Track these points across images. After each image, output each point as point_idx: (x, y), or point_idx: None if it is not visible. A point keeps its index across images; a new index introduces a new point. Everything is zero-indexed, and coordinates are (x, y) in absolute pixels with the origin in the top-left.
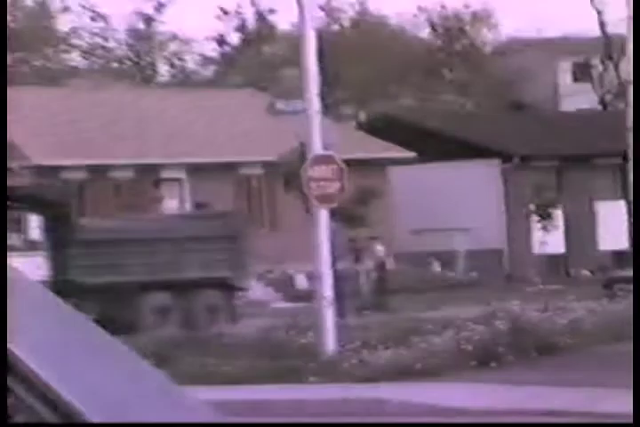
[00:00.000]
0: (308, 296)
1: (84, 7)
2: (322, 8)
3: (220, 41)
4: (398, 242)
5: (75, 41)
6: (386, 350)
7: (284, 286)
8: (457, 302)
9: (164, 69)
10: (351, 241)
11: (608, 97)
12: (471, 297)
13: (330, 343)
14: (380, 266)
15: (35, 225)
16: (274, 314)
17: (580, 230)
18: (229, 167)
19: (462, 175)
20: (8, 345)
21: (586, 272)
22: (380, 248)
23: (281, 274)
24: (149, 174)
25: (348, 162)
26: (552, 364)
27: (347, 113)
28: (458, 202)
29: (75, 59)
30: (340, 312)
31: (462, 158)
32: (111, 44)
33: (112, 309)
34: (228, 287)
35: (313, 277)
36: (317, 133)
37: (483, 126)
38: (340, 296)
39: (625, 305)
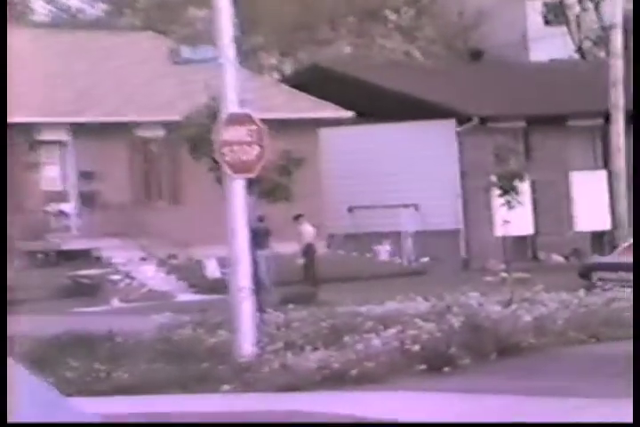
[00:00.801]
0: (221, 287)
1: None
2: None
3: None
4: (331, 221)
5: None
6: (314, 351)
7: (191, 275)
8: (402, 294)
9: (39, 6)
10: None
11: (587, 44)
12: (420, 288)
13: (247, 344)
14: (309, 250)
15: None
16: (178, 308)
17: (552, 207)
18: (123, 128)
19: (409, 140)
20: None
21: (558, 257)
22: (308, 229)
23: (187, 259)
24: (23, 136)
25: (269, 122)
26: (515, 368)
27: (268, 63)
28: (404, 173)
29: None
30: (260, 306)
31: (409, 119)
32: None
33: None
34: None
35: (227, 263)
36: (232, 87)
37: (434, 80)
38: (259, 287)
39: (604, 298)
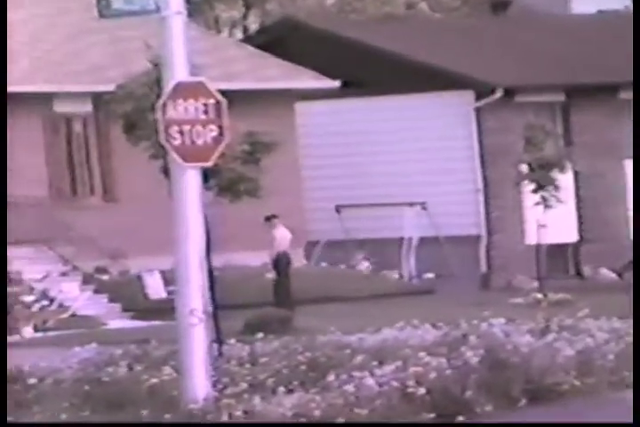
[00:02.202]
0: (166, 310)
1: None
2: None
3: None
4: (312, 224)
5: None
6: (289, 394)
7: (127, 294)
8: (403, 320)
9: None
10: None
11: None
12: (426, 312)
13: (199, 385)
14: (282, 262)
15: None
16: (110, 338)
17: (602, 206)
18: (36, 101)
19: (413, 118)
20: None
21: (609, 273)
22: (284, 234)
23: (122, 274)
24: None
25: (229, 94)
26: (552, 418)
27: (226, 16)
28: (408, 161)
29: None
30: (218, 335)
31: (413, 91)
32: None
33: None
34: None
35: (174, 278)
36: (179, 48)
37: (445, 39)
38: (217, 309)
39: None
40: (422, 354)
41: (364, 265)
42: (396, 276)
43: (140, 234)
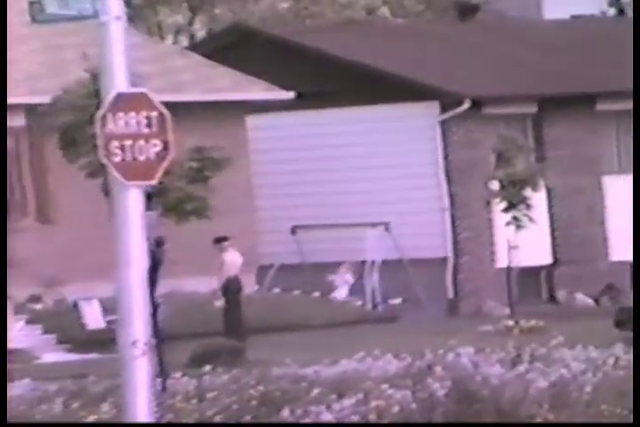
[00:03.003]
0: (105, 341)
1: None
2: None
3: None
4: (266, 246)
5: None
6: None
7: (63, 325)
8: (364, 350)
9: None
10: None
11: None
12: (389, 341)
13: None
14: (232, 287)
15: None
16: (45, 373)
17: (577, 226)
18: None
19: (375, 132)
20: None
21: (585, 298)
22: (234, 257)
23: (58, 302)
24: None
25: (175, 107)
26: None
27: (170, 22)
28: (369, 179)
29: None
30: (162, 368)
31: (374, 102)
32: None
33: None
34: None
35: (115, 307)
36: (120, 57)
37: (408, 47)
38: (162, 340)
39: None
40: (385, 386)
41: (344, 281)
42: (358, 302)
43: (78, 258)
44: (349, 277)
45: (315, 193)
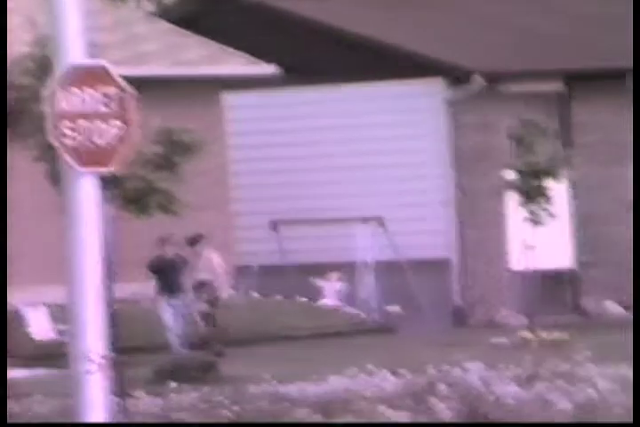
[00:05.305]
0: (55, 354)
1: None
2: None
3: None
4: (244, 246)
5: None
6: None
7: (9, 335)
8: (356, 365)
9: None
10: (162, 244)
11: None
12: (385, 355)
13: None
14: (205, 293)
15: None
16: None
17: (605, 224)
18: None
19: (370, 112)
20: None
21: (615, 306)
22: (214, 259)
23: None
24: None
25: (138, 82)
26: None
27: None
28: (362, 166)
29: None
30: (121, 385)
31: (369, 78)
32: None
33: None
34: None
35: (66, 316)
36: (74, 24)
37: (409, 15)
38: (120, 353)
39: None
40: (381, 407)
41: (333, 288)
42: (349, 309)
43: (22, 257)
44: (341, 287)
45: (299, 183)
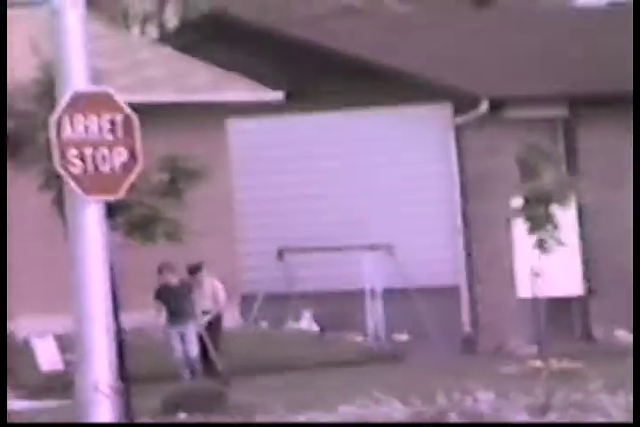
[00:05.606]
0: (63, 385)
1: None
2: None
3: None
4: (249, 273)
5: None
6: None
7: (13, 365)
8: (365, 394)
9: None
10: (162, 271)
11: None
12: (394, 384)
13: None
14: (211, 322)
15: None
16: None
17: (614, 250)
18: None
19: (377, 138)
20: None
21: (627, 334)
22: (215, 286)
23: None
24: None
25: (143, 109)
26: None
27: (138, 10)
28: (370, 193)
29: None
30: (129, 415)
31: (376, 104)
32: None
33: None
34: None
35: (72, 344)
36: (78, 50)
37: (416, 40)
38: (128, 383)
39: None
40: None
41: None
42: (356, 338)
43: (28, 286)
44: (310, 313)
45: (306, 210)
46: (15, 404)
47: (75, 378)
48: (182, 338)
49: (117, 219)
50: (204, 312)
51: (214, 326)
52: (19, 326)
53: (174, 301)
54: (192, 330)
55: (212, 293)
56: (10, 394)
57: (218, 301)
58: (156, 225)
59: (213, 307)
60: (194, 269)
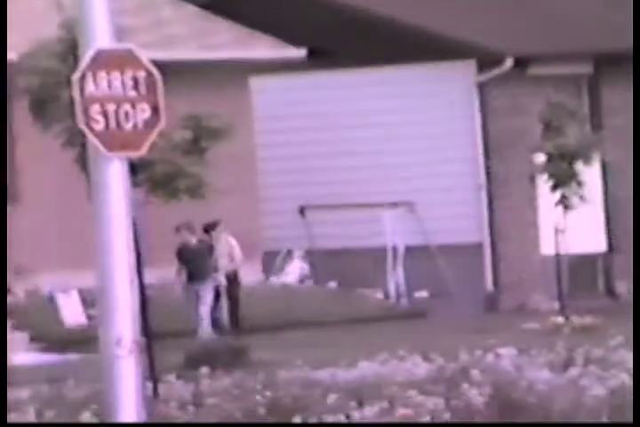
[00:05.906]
0: (87, 339)
1: None
2: None
3: None
4: (269, 230)
5: None
6: None
7: (38, 320)
8: (387, 351)
9: None
10: (180, 230)
11: None
12: (416, 340)
13: None
14: (229, 279)
15: None
16: (15, 376)
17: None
18: None
19: (400, 96)
20: None
21: None
22: (230, 244)
23: (30, 294)
24: None
25: (166, 66)
26: None
27: None
28: (392, 150)
29: None
30: (152, 370)
31: (399, 61)
32: None
33: None
34: None
35: (96, 299)
36: (101, 7)
37: None
38: (151, 338)
39: None
40: (413, 393)
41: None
42: (377, 295)
43: (52, 243)
44: (302, 266)
45: (328, 168)
46: (39, 357)
47: (98, 333)
48: (198, 296)
49: (140, 176)
50: (218, 269)
51: (232, 283)
52: (43, 282)
53: (194, 261)
54: (209, 289)
55: (227, 250)
56: (33, 347)
57: (234, 258)
58: (178, 182)
59: (229, 264)
60: (209, 227)
